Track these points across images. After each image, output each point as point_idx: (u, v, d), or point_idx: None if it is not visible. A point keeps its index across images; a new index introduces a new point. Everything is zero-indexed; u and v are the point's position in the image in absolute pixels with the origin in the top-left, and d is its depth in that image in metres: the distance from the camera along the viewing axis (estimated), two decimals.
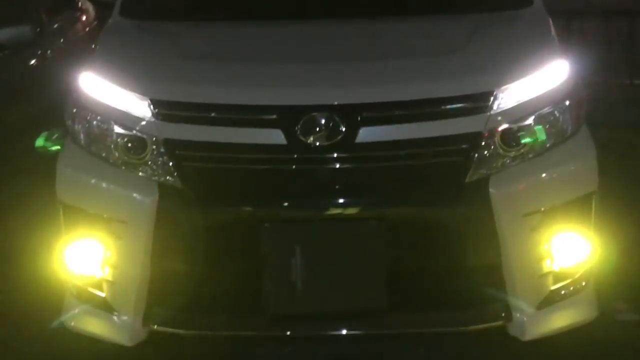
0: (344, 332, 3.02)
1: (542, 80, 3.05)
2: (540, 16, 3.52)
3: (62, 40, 6.32)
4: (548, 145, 3.03)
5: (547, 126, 3.02)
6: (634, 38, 7.57)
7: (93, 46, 3.47)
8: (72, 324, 3.20)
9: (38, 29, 5.68)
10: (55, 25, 6.37)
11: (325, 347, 3.34)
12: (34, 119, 5.38)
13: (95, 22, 6.97)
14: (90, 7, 7.29)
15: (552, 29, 3.41)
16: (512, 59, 3.09)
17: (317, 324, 3.03)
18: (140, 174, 3.00)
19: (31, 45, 5.42)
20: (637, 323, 3.60)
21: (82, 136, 3.13)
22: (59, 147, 3.22)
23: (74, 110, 3.18)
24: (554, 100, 3.04)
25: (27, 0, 6.02)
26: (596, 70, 7.13)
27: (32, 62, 5.74)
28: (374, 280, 2.93)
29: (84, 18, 7.05)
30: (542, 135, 2.96)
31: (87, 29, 6.82)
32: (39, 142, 3.27)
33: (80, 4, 7.13)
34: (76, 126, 3.15)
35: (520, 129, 2.97)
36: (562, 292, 3.10)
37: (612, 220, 3.68)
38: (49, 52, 5.99)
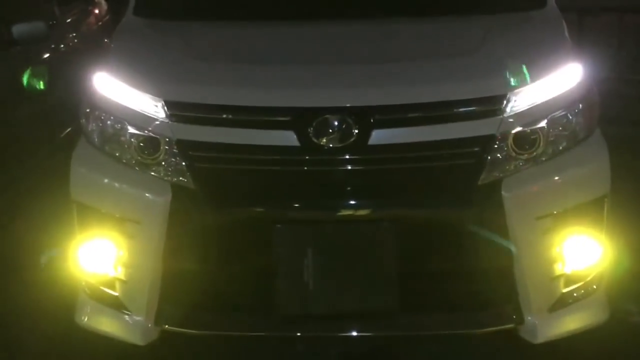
0: (355, 333, 3.03)
1: (555, 83, 3.04)
2: (554, 18, 3.50)
3: (75, 34, 6.33)
4: (561, 148, 3.02)
5: (560, 129, 3.01)
6: None
7: (106, 42, 3.49)
8: (85, 322, 3.23)
9: (52, 22, 5.70)
10: (69, 19, 6.39)
11: (337, 347, 3.35)
12: (47, 113, 5.42)
13: (108, 16, 6.99)
14: (103, 1, 7.30)
15: (566, 30, 3.40)
16: (526, 62, 3.07)
17: (329, 324, 3.04)
18: (153, 174, 3.02)
19: (45, 40, 5.43)
20: None
21: (96, 136, 3.15)
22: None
23: (88, 110, 3.19)
24: (567, 103, 3.04)
25: None
26: (610, 66, 7.13)
27: (46, 56, 5.75)
28: (385, 282, 2.93)
29: (96, 11, 7.05)
30: None
31: (100, 23, 6.84)
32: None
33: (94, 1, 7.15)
34: (90, 126, 3.17)
35: (533, 132, 2.97)
36: (574, 295, 3.10)
37: (623, 220, 3.67)
38: (62, 46, 6.00)
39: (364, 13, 3.50)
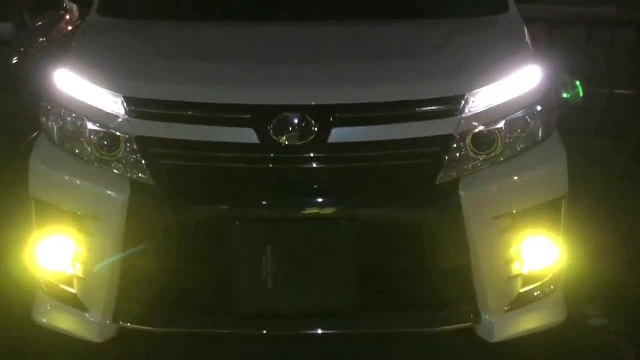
0: (314, 331, 3.03)
1: (514, 85, 3.07)
2: (516, 22, 3.54)
3: (45, 38, 6.35)
4: (519, 149, 3.05)
5: (518, 130, 3.04)
6: (616, 48, 7.61)
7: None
8: (43, 320, 3.21)
9: (21, 25, 5.72)
10: (38, 24, 6.40)
11: (296, 347, 3.34)
12: (12, 117, 5.40)
13: (79, 22, 6.99)
14: (74, 7, 7.34)
15: (527, 35, 3.43)
16: (485, 64, 3.11)
17: (287, 323, 3.03)
18: (113, 171, 3.01)
19: (12, 42, 5.43)
20: (607, 328, 3.62)
21: (55, 133, 3.13)
22: None
23: (49, 107, 3.18)
24: (525, 105, 3.06)
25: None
26: (578, 79, 7.20)
27: (13, 60, 5.76)
28: (344, 280, 2.94)
29: (67, 17, 7.10)
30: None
31: (71, 28, 6.85)
32: None
33: (65, 4, 7.20)
34: (50, 123, 3.16)
35: (491, 132, 3.00)
36: (532, 295, 3.12)
37: (584, 226, 3.72)
38: (31, 49, 6.01)
39: (326, 16, 3.51)
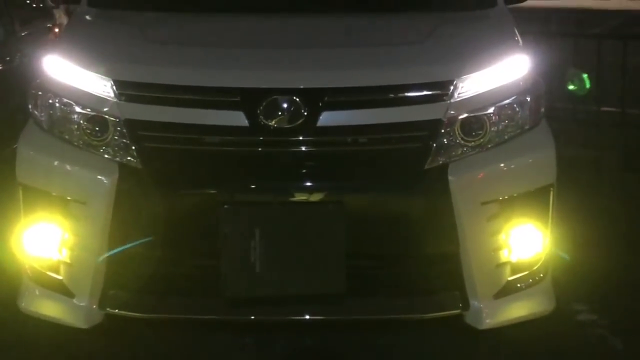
0: (302, 317, 3.01)
1: (502, 72, 3.09)
2: (504, 16, 3.57)
3: (33, 48, 6.40)
4: (507, 136, 3.06)
5: (506, 117, 3.05)
6: (601, 64, 7.67)
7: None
8: (29, 307, 3.18)
9: (10, 33, 5.79)
10: (27, 33, 6.49)
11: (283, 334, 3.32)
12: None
13: None
14: (65, 20, 7.45)
15: (515, 27, 3.46)
16: (474, 51, 3.13)
17: (275, 308, 3.01)
18: (101, 155, 2.99)
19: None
20: (596, 323, 3.61)
21: (44, 118, 3.12)
22: None
23: (38, 93, 3.17)
24: (513, 92, 3.08)
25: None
26: (564, 97, 7.27)
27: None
28: (332, 265, 2.92)
29: (56, 30, 7.20)
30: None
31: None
32: None
33: (55, 19, 7.32)
34: (39, 109, 3.15)
35: (480, 118, 3.01)
36: (520, 283, 3.12)
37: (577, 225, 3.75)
38: (17, 59, 6.07)
39: (317, 8, 3.51)
